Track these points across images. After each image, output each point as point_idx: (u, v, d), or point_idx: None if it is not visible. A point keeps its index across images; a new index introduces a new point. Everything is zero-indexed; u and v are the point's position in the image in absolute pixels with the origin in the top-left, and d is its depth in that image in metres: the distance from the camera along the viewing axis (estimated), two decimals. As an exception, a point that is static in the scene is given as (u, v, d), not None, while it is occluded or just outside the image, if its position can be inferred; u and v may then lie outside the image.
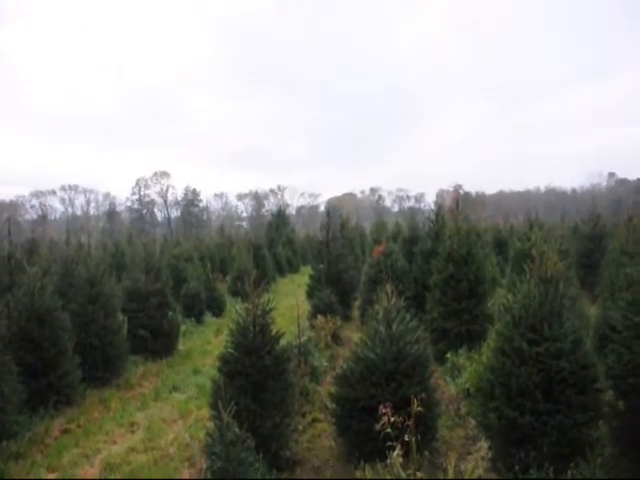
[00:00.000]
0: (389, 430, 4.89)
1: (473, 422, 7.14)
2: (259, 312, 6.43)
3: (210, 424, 6.63)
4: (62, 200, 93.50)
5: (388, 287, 6.97)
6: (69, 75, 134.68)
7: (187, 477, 6.18)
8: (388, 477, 4.92)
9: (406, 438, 4.90)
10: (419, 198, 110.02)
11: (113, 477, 6.39)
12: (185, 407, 8.81)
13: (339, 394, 6.69)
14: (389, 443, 5.02)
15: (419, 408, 5.02)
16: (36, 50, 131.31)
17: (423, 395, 5.23)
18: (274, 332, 6.53)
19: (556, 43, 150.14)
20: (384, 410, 4.75)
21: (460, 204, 12.60)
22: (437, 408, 6.68)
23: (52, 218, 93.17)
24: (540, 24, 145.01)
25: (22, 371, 8.03)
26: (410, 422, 4.97)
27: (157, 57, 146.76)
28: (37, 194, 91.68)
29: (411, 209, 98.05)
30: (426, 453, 5.45)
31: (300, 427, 7.38)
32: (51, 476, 6.57)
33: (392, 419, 4.83)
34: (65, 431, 7.98)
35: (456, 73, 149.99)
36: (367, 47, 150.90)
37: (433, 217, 15.64)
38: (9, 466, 6.75)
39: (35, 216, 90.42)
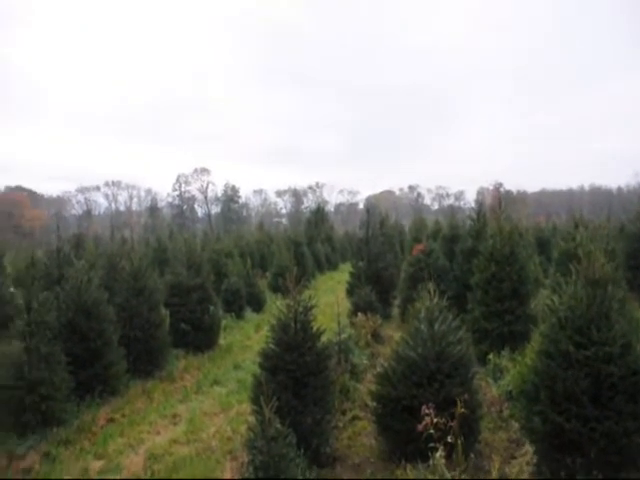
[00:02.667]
0: (432, 431, 4.86)
1: (516, 425, 7.01)
2: (301, 309, 6.46)
3: (251, 418, 6.72)
4: (106, 196, 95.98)
5: (430, 286, 6.91)
6: (113, 75, 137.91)
7: (229, 470, 6.26)
8: (431, 477, 4.89)
9: (449, 439, 4.87)
10: (459, 196, 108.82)
11: (157, 467, 6.52)
12: (226, 401, 8.92)
13: (380, 393, 6.66)
14: (431, 444, 4.99)
15: (463, 410, 4.98)
16: (77, 52, 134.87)
17: (467, 396, 5.18)
18: (315, 329, 6.55)
19: (601, 35, 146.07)
20: (427, 411, 4.73)
21: (502, 203, 12.42)
22: (480, 410, 6.58)
23: (96, 213, 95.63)
24: (575, 18, 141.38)
25: (70, 361, 8.27)
26: (453, 423, 4.93)
27: (194, 56, 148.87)
28: (82, 190, 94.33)
29: (451, 207, 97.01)
30: (472, 455, 5.39)
31: (340, 424, 7.39)
32: (98, 463, 6.76)
33: (435, 420, 4.80)
34: (110, 420, 8.19)
35: (494, 69, 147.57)
36: (404, 43, 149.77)
37: (474, 215, 15.45)
38: (60, 451, 7.01)
39: (80, 211, 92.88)
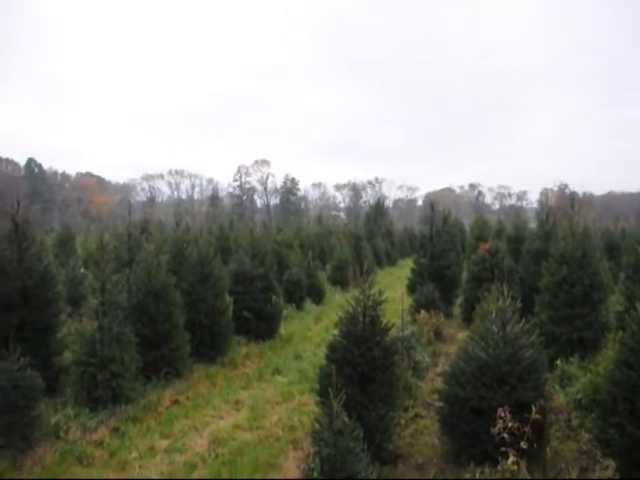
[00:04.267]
0: (505, 435, 4.73)
1: (587, 436, 6.75)
2: (370, 302, 6.41)
3: (313, 409, 6.74)
4: (169, 184, 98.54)
5: (504, 287, 6.74)
6: (181, 68, 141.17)
7: (292, 459, 6.30)
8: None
9: (523, 445, 4.72)
10: (521, 196, 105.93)
11: (221, 450, 6.64)
12: (287, 390, 8.98)
13: (447, 392, 6.54)
14: (503, 449, 4.86)
15: (537, 415, 4.82)
16: (146, 44, 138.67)
17: (542, 402, 5.02)
18: (384, 323, 6.49)
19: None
20: (503, 414, 4.60)
21: (575, 205, 11.98)
22: (550, 417, 6.38)
23: (159, 201, 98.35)
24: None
25: (138, 342, 8.53)
26: (527, 429, 4.79)
27: (258, 49, 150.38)
28: (147, 177, 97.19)
29: (512, 207, 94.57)
30: (547, 462, 5.22)
31: (402, 421, 7.31)
32: (164, 442, 6.95)
33: (509, 424, 4.67)
34: (175, 402, 8.40)
35: (559, 64, 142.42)
36: (464, 37, 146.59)
37: (543, 216, 15.03)
38: (128, 427, 7.26)
39: (144, 198, 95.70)
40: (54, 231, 32.45)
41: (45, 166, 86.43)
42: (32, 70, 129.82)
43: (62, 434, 6.83)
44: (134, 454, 6.55)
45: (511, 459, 4.69)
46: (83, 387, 7.73)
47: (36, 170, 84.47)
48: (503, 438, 4.89)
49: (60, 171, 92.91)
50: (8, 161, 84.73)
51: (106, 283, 8.30)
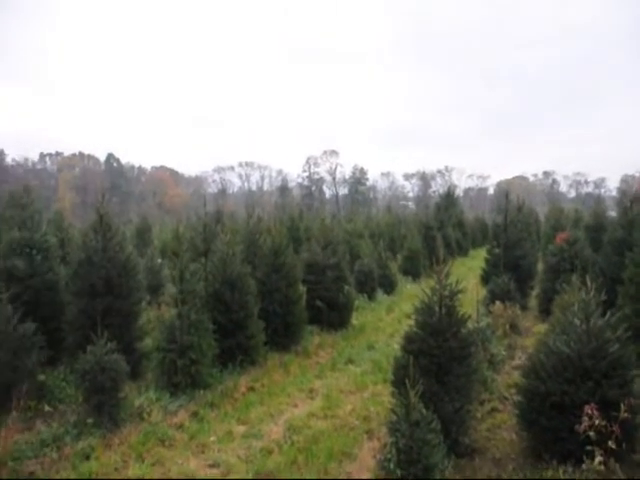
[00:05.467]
0: (591, 433, 4.53)
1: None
2: (446, 293, 6.29)
3: (387, 400, 6.70)
4: (240, 175, 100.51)
5: (586, 278, 6.45)
6: (249, 60, 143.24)
7: (366, 449, 6.30)
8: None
9: (610, 444, 4.51)
10: (599, 184, 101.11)
11: (296, 438, 6.73)
12: (361, 380, 8.98)
13: (526, 386, 6.33)
14: (589, 447, 4.66)
15: (626, 414, 4.60)
16: (227, 34, 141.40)
17: (631, 400, 4.77)
18: (460, 314, 6.36)
19: None
20: (590, 411, 4.40)
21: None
22: (639, 417, 6.06)
23: (230, 192, 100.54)
24: None
25: (215, 329, 8.76)
26: (615, 427, 4.57)
27: (324, 37, 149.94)
28: (218, 170, 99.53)
29: (589, 195, 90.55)
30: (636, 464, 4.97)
31: (479, 415, 7.16)
32: (241, 428, 7.12)
33: (596, 422, 4.47)
34: (251, 389, 8.58)
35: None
36: (536, 15, 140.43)
37: (627, 203, 14.27)
38: (206, 412, 7.50)
39: (216, 190, 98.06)
40: (131, 223, 33.86)
41: (123, 161, 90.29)
42: (110, 72, 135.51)
43: (145, 416, 7.12)
44: (213, 438, 6.75)
45: (598, 459, 4.47)
46: (163, 372, 8.02)
47: (115, 164, 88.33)
48: (588, 436, 4.69)
49: (137, 165, 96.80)
50: (90, 157, 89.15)
51: (184, 272, 8.55)
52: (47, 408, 7.27)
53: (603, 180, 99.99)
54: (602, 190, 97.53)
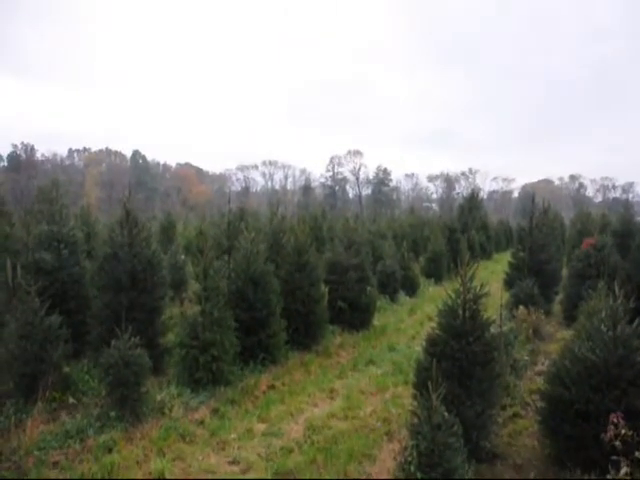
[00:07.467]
0: (617, 443, 4.44)
1: None
2: (471, 296, 6.23)
3: (408, 402, 6.66)
4: (263, 174, 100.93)
5: (615, 284, 6.34)
6: (276, 59, 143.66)
7: (386, 451, 6.27)
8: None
9: (638, 455, 4.41)
10: (627, 188, 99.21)
11: (316, 437, 6.72)
12: (382, 381, 8.93)
13: (549, 393, 6.24)
14: (614, 457, 4.57)
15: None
16: (242, 36, 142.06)
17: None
18: (484, 318, 6.29)
19: None
20: (615, 420, 4.31)
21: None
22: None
23: (253, 190, 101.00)
24: None
25: (237, 327, 8.79)
26: (643, 437, 4.47)
27: (351, 38, 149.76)
28: (242, 168, 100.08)
29: (617, 200, 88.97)
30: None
31: (500, 420, 7.07)
32: (262, 426, 7.13)
33: (623, 431, 4.37)
34: (271, 387, 8.59)
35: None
36: (559, 18, 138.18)
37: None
38: (227, 409, 7.53)
39: (239, 188, 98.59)
40: (155, 219, 34.16)
41: (148, 158, 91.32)
42: (138, 70, 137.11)
43: (166, 411, 7.17)
44: (233, 435, 6.77)
45: (624, 469, 4.37)
46: (185, 368, 8.08)
47: (140, 161, 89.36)
48: (614, 446, 4.59)
49: (162, 162, 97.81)
50: (116, 153, 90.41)
51: (208, 269, 8.59)
52: (71, 400, 7.37)
53: (631, 185, 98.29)
54: (630, 195, 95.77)
